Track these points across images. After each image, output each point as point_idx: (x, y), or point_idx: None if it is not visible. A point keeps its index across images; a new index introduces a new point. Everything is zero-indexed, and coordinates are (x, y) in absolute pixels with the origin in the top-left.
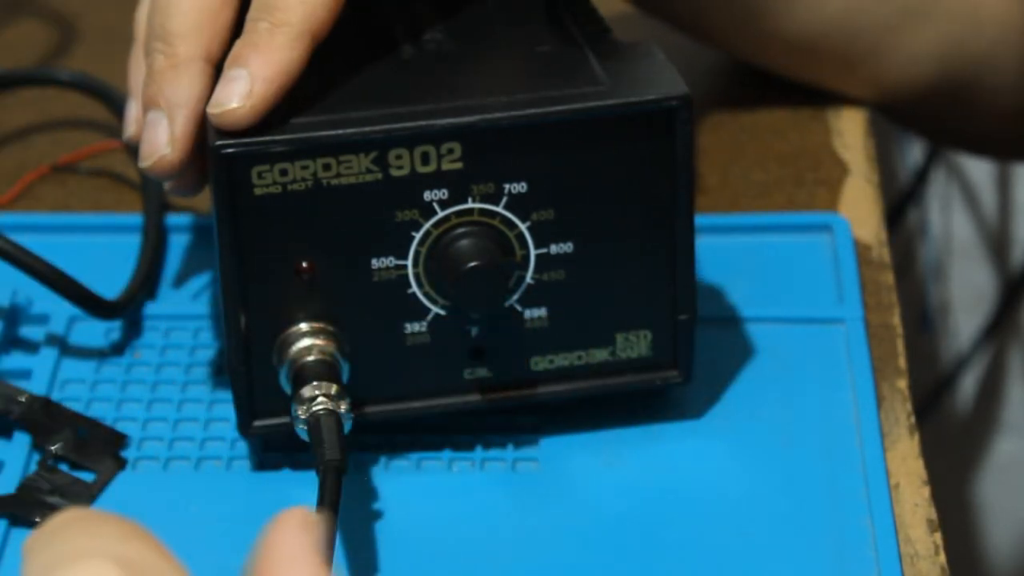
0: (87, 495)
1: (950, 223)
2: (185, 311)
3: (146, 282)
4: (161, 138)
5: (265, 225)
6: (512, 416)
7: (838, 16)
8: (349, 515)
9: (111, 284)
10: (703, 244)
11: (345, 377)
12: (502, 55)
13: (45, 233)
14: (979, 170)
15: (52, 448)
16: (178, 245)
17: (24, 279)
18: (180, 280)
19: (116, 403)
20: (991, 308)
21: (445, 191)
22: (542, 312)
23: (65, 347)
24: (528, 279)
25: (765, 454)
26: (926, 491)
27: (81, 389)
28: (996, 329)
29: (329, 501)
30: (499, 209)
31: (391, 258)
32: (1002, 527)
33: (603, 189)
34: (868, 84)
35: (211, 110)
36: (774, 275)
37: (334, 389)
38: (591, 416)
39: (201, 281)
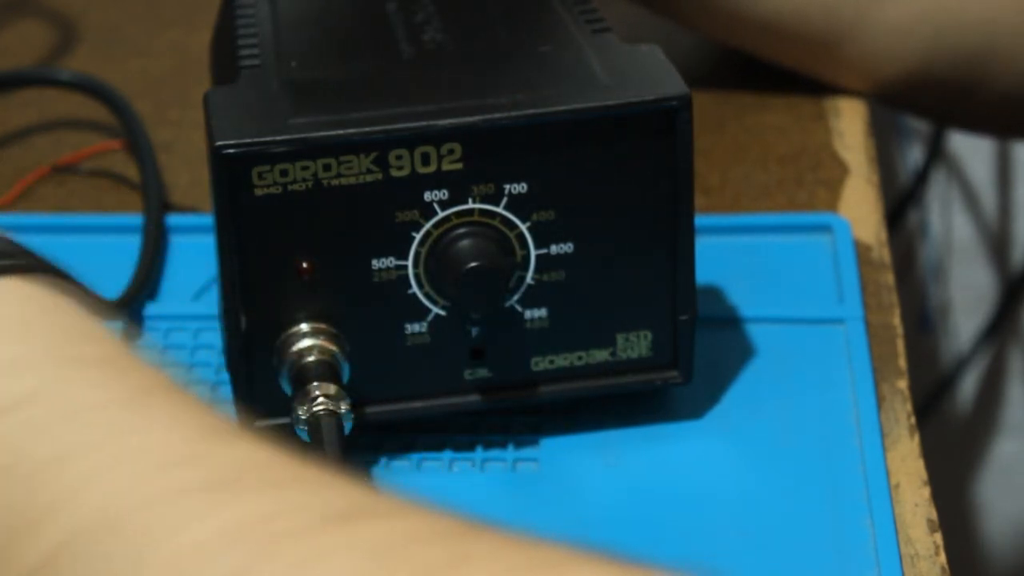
0: None
1: (950, 223)
2: (185, 311)
3: (146, 282)
4: None
5: (265, 225)
6: (512, 416)
7: None
8: None
9: (111, 284)
10: (703, 244)
11: (345, 377)
12: (502, 55)
13: (45, 233)
14: (979, 170)
15: None
16: (178, 245)
17: None
18: (180, 280)
19: None
20: (991, 308)
21: (445, 191)
22: (542, 312)
23: None
24: (528, 279)
25: (765, 454)
26: (926, 491)
27: None
28: (996, 329)
29: None
30: (499, 209)
31: (391, 258)
32: (1002, 527)
33: (603, 189)
34: (856, 67)
35: None
36: (774, 275)
37: (334, 389)
38: (591, 416)
39: (201, 281)
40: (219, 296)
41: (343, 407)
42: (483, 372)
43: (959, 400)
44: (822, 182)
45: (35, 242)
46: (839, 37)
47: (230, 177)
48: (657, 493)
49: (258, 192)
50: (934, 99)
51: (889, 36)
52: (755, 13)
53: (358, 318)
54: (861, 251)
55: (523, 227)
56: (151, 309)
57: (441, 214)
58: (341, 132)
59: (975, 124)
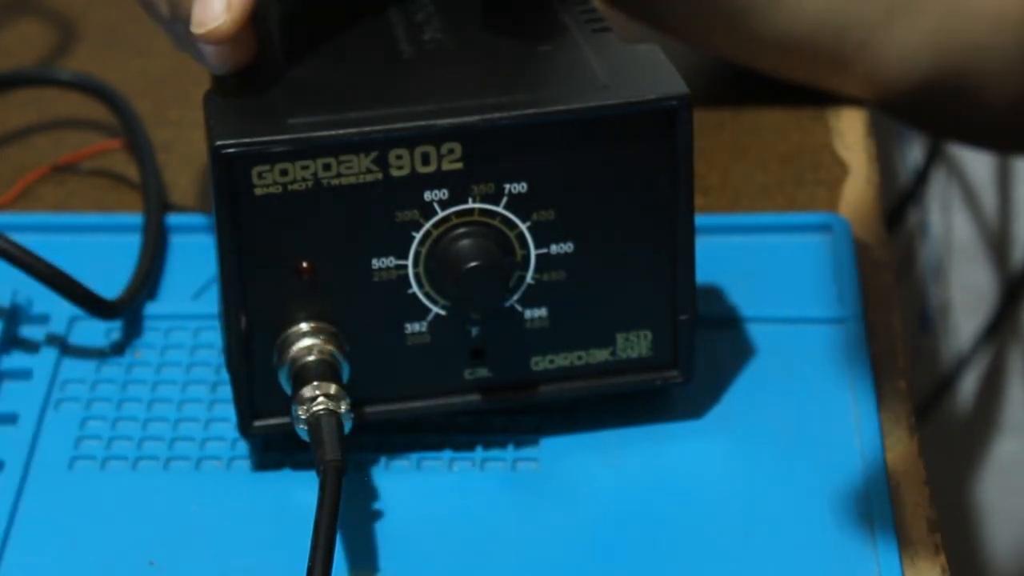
0: None
1: (950, 223)
2: (185, 311)
3: (146, 282)
4: (218, 6)
5: (265, 225)
6: (512, 416)
7: (821, 15)
8: (349, 515)
9: (111, 284)
10: (703, 244)
11: (345, 377)
12: (503, 55)
13: (45, 233)
14: (979, 170)
15: None
16: (178, 245)
17: (24, 279)
18: (180, 280)
19: (116, 403)
20: (991, 308)
21: (445, 191)
22: (542, 312)
23: (65, 347)
24: (528, 279)
25: (765, 454)
26: (926, 491)
27: (81, 389)
28: (996, 329)
29: (329, 501)
30: (499, 209)
31: (391, 258)
32: (1002, 527)
33: (603, 189)
34: (864, 82)
35: (195, 30)
36: (774, 275)
37: (334, 389)
38: (591, 416)
39: (201, 281)
40: (219, 296)
41: (343, 407)
42: (483, 372)
43: (959, 400)
44: (822, 182)
45: (35, 242)
46: (848, 57)
47: (230, 177)
48: (657, 493)
49: (258, 192)
50: (935, 115)
51: (895, 57)
52: (767, 35)
53: (358, 318)
54: (861, 251)
55: (523, 227)
56: (151, 309)
57: (441, 214)
58: (341, 132)
59: (974, 140)
